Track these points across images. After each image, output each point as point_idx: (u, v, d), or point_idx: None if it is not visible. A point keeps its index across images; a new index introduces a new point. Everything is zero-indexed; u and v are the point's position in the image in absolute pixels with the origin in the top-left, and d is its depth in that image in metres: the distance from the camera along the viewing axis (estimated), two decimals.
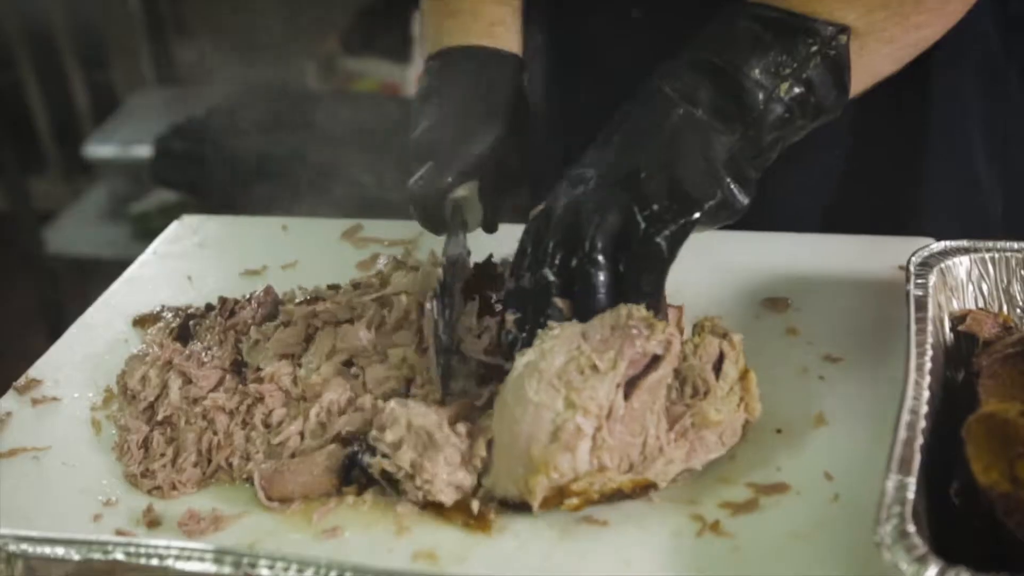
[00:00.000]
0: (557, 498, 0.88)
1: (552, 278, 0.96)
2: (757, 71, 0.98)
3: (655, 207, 0.95)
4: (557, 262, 0.96)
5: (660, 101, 0.99)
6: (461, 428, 0.94)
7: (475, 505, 0.90)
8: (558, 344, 0.92)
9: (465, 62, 1.17)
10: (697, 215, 0.95)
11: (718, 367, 0.95)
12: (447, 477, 0.91)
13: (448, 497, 0.91)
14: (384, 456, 0.93)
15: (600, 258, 0.95)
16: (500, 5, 1.20)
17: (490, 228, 1.15)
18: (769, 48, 0.98)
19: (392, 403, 0.95)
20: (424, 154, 1.10)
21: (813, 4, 0.99)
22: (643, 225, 0.95)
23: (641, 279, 0.96)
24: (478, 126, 1.11)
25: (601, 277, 0.95)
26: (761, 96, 0.98)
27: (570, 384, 0.89)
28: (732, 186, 0.97)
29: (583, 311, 0.95)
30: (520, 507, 0.89)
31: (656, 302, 0.96)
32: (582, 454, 0.88)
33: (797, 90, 0.99)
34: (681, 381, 0.95)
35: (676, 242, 0.96)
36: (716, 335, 0.97)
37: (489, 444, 0.92)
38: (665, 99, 0.99)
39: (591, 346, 0.92)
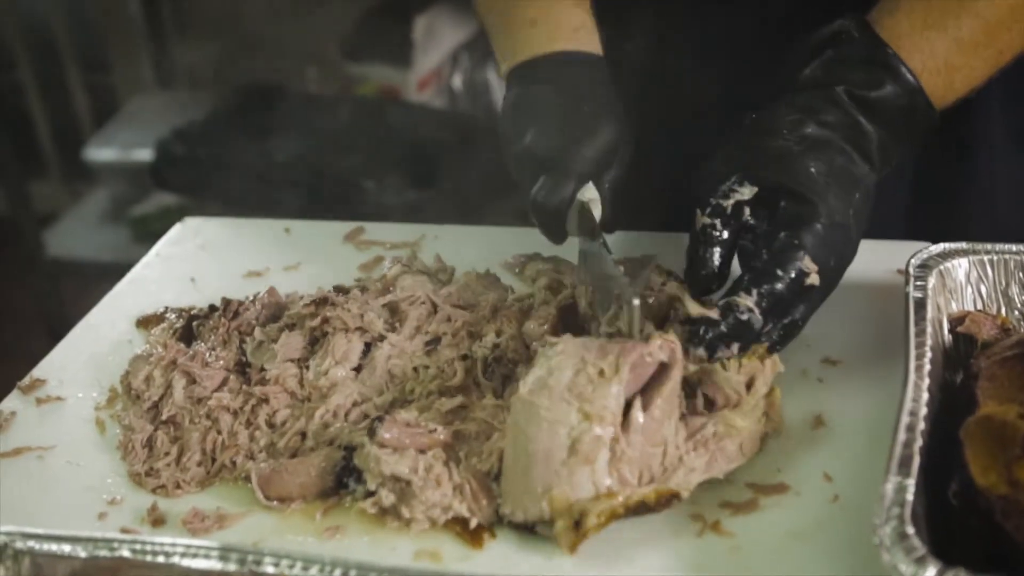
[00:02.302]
0: (580, 536, 0.87)
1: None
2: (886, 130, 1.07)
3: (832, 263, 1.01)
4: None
5: (842, 154, 1.04)
6: (443, 467, 0.93)
7: (473, 522, 0.91)
8: (564, 359, 0.92)
9: (556, 69, 1.16)
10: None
11: (750, 383, 0.96)
12: (430, 514, 0.91)
13: (439, 520, 0.91)
14: (368, 492, 0.93)
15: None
16: (578, 9, 1.19)
17: (610, 228, 1.12)
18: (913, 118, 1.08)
19: (368, 446, 0.93)
20: (537, 164, 1.09)
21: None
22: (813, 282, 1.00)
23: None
24: (588, 128, 1.11)
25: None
26: (883, 153, 1.08)
27: (582, 396, 0.89)
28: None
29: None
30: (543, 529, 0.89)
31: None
32: (601, 466, 0.88)
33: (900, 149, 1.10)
34: (712, 392, 0.96)
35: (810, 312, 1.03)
36: (760, 358, 0.97)
37: (491, 477, 0.92)
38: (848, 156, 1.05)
39: (593, 355, 0.92)
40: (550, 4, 1.18)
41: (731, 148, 1.08)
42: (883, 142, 1.07)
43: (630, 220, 1.12)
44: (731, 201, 1.03)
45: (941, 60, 1.07)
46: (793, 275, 0.99)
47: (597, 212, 1.09)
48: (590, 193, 1.09)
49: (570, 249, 1.22)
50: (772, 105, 1.08)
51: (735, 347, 0.98)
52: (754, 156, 1.05)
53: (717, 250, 1.03)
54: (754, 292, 0.98)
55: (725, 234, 1.03)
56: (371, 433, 0.94)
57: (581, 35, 1.18)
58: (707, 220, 1.04)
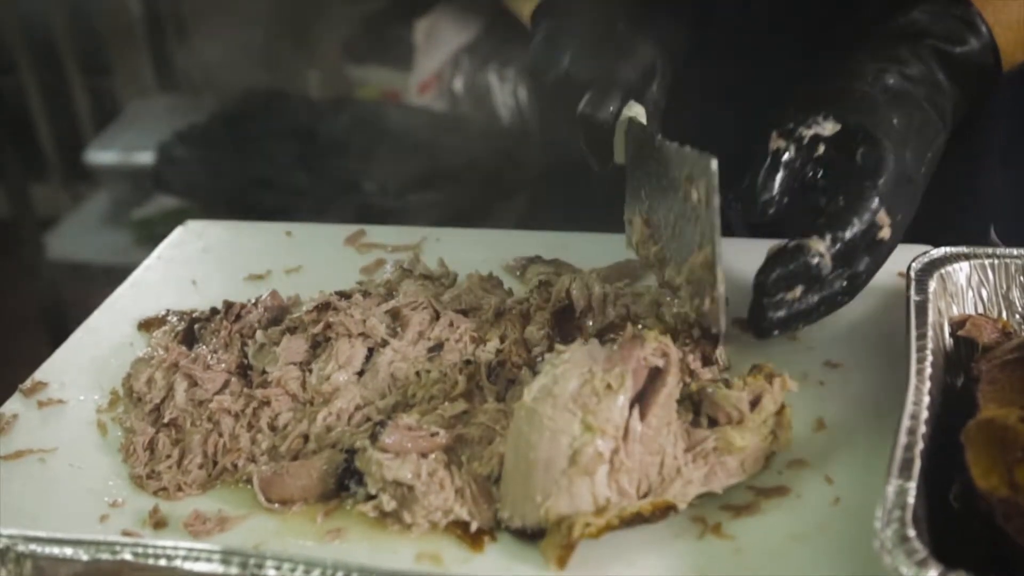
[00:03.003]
0: (567, 551, 0.86)
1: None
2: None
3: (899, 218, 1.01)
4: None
5: (921, 110, 1.04)
6: (444, 470, 0.93)
7: (474, 525, 0.90)
8: (570, 368, 0.91)
9: None
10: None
11: (756, 402, 0.95)
12: (431, 517, 0.91)
13: (440, 523, 0.91)
14: (369, 495, 0.93)
15: None
16: None
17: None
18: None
19: (369, 450, 0.93)
20: (578, 85, 1.09)
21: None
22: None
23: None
24: (627, 46, 1.11)
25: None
26: (954, 111, 1.08)
27: (586, 407, 0.89)
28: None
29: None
30: (536, 536, 0.89)
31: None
32: (600, 478, 0.88)
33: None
34: (712, 411, 0.95)
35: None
36: (766, 377, 0.97)
37: (492, 481, 0.93)
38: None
39: (600, 366, 0.91)
40: None
41: (814, 86, 1.06)
42: (957, 102, 1.06)
43: None
44: (812, 131, 1.02)
45: (1014, 16, 1.07)
46: (867, 225, 0.98)
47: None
48: (636, 108, 1.09)
49: (571, 251, 1.22)
50: (855, 51, 1.07)
51: (798, 290, 0.98)
52: (839, 96, 1.04)
53: (782, 176, 1.01)
54: (827, 236, 0.97)
55: (797, 163, 1.02)
56: (373, 438, 0.94)
57: None
58: (782, 143, 1.02)
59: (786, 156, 1.01)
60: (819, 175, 1.03)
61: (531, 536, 0.89)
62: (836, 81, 1.06)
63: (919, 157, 1.02)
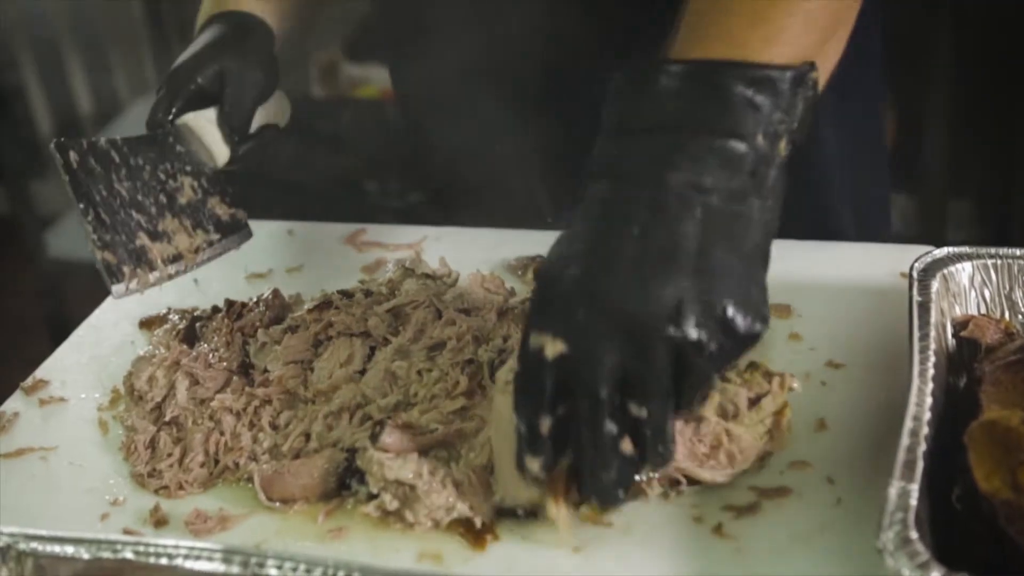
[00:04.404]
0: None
1: (616, 430, 0.83)
2: (760, 139, 0.86)
3: (712, 348, 0.83)
4: (617, 412, 0.83)
5: (671, 200, 0.84)
6: (445, 467, 0.93)
7: (478, 521, 0.90)
8: None
9: (217, 21, 1.28)
10: (750, 346, 0.85)
11: (756, 400, 0.95)
12: (434, 516, 0.91)
13: (442, 522, 0.91)
14: (371, 495, 0.93)
15: (670, 408, 0.84)
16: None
17: (234, 152, 1.29)
18: (767, 111, 0.86)
19: (370, 450, 0.93)
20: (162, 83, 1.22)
21: (771, 49, 0.87)
22: (700, 366, 0.83)
23: (694, 404, 0.90)
24: (208, 60, 1.22)
25: (670, 424, 0.84)
26: (769, 164, 0.86)
27: None
28: (765, 280, 0.87)
29: (653, 457, 0.85)
30: (531, 516, 0.89)
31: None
32: None
33: (789, 144, 0.88)
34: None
35: (726, 366, 0.89)
36: (764, 375, 0.97)
37: (490, 472, 0.92)
38: (677, 197, 0.84)
39: None
40: None
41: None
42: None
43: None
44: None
45: None
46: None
47: (212, 139, 1.23)
48: (206, 118, 1.21)
49: None
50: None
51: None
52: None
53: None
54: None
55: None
56: (373, 438, 0.94)
57: (253, 4, 1.32)
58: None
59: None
60: None
61: (524, 516, 0.90)
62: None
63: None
